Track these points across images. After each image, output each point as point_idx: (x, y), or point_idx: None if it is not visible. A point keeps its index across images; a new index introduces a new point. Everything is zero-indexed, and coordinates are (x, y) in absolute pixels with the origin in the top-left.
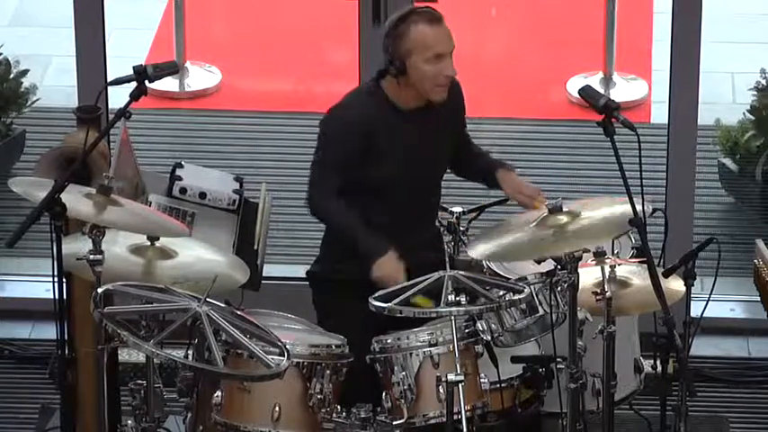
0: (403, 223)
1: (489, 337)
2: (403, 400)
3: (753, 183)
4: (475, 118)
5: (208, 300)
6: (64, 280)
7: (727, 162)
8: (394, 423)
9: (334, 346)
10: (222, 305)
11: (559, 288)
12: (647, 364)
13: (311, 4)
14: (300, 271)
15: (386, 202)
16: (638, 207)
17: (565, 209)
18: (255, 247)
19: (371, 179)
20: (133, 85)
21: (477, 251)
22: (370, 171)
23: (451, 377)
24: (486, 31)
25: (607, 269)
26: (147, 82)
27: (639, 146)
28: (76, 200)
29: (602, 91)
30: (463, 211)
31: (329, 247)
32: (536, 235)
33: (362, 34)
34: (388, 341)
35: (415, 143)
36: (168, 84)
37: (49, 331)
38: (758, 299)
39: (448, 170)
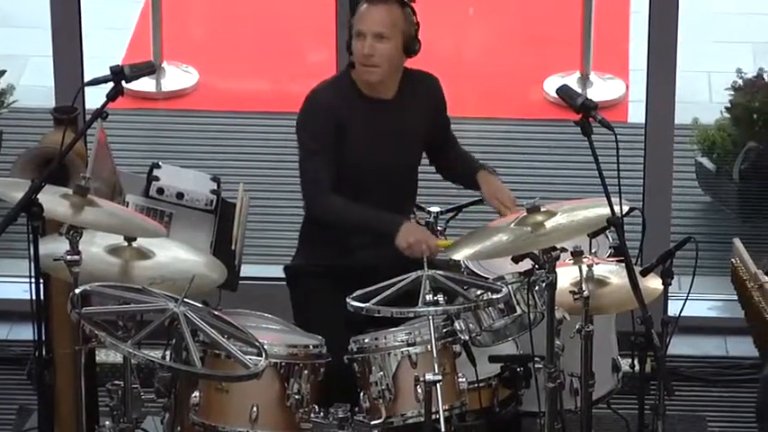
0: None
1: (467, 337)
2: (381, 400)
3: (730, 182)
4: (453, 117)
5: (185, 300)
6: (41, 281)
7: (705, 161)
8: (372, 423)
9: (311, 347)
10: (200, 305)
11: (537, 287)
12: (624, 363)
13: (289, 5)
14: (278, 271)
15: (356, 191)
16: (616, 206)
17: (542, 209)
18: (233, 248)
19: (342, 168)
20: (110, 85)
21: (460, 254)
22: (342, 159)
23: (429, 377)
24: (464, 31)
25: (585, 268)
26: (123, 82)
27: (617, 145)
28: (53, 200)
29: (579, 90)
30: (441, 211)
31: (306, 240)
32: (515, 234)
33: (340, 34)
34: (366, 341)
35: (384, 133)
36: (145, 84)
37: (26, 332)
38: (735, 298)
39: (430, 169)
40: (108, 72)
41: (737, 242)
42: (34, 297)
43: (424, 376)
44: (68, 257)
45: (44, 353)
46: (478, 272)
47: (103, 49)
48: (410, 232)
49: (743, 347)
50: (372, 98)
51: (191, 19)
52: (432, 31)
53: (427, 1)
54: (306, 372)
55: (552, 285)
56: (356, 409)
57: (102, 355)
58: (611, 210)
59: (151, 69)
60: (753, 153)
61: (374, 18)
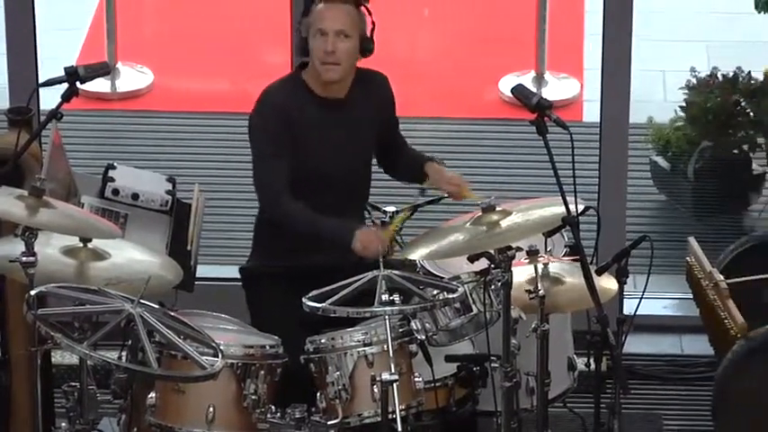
0: (328, 214)
1: (423, 337)
2: (338, 400)
3: (685, 180)
4: (409, 117)
5: (141, 301)
6: None
7: (659, 160)
8: (329, 423)
9: (268, 347)
10: (156, 306)
11: (493, 287)
12: (580, 362)
13: (244, 5)
14: (234, 272)
15: (309, 191)
16: (571, 205)
17: (498, 208)
18: (189, 248)
19: (294, 168)
20: (65, 86)
21: (416, 253)
22: (295, 159)
23: (386, 376)
24: (419, 32)
25: (540, 267)
26: (78, 83)
27: (572, 144)
28: (8, 202)
29: (534, 90)
30: (396, 211)
31: (261, 241)
32: (471, 233)
33: (295, 34)
34: (323, 341)
35: (335, 133)
36: (100, 84)
37: None
38: (690, 296)
39: (380, 169)
40: (62, 73)
41: (692, 241)
42: None
43: (381, 376)
44: (24, 259)
45: (0, 354)
46: (434, 271)
47: (58, 49)
48: (366, 236)
49: (698, 346)
50: (325, 98)
51: (145, 19)
52: (387, 31)
53: (382, 1)
54: (262, 372)
55: (508, 284)
56: (313, 409)
57: (58, 357)
58: (567, 209)
59: (106, 70)
60: (707, 152)
61: (336, 16)
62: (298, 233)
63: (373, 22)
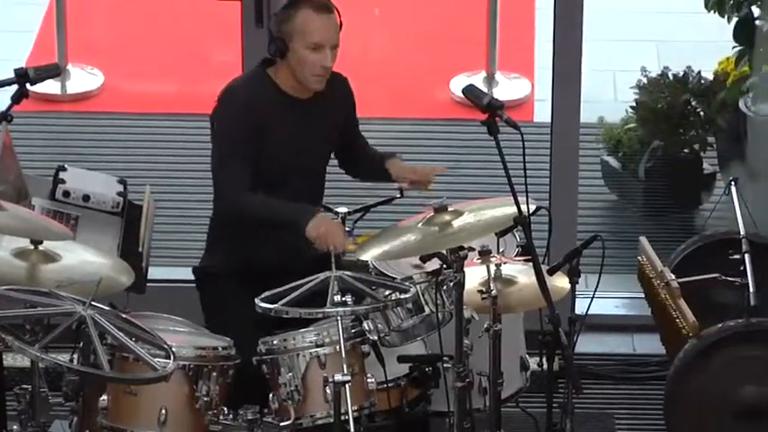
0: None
1: (376, 337)
2: (290, 401)
3: (636, 180)
4: (361, 118)
5: (93, 303)
6: None
7: (610, 160)
8: (281, 424)
9: (220, 348)
10: (107, 308)
11: (445, 287)
12: (532, 362)
13: (193, 7)
14: (186, 273)
15: (268, 187)
16: (523, 205)
17: (450, 208)
18: (140, 250)
19: (257, 164)
20: (14, 87)
21: (368, 254)
22: (258, 156)
23: (338, 377)
24: (371, 32)
25: (492, 268)
26: (28, 84)
27: (523, 144)
28: None
29: (485, 90)
30: (349, 212)
31: (215, 241)
32: (423, 234)
33: (245, 36)
34: (275, 342)
35: (299, 130)
36: (50, 86)
37: None
38: (642, 295)
39: (337, 170)
40: (12, 74)
41: (644, 240)
42: None
43: (333, 377)
44: None
45: None
46: (386, 272)
47: (7, 51)
48: (321, 223)
49: (650, 345)
50: (290, 96)
51: (95, 21)
52: (343, 31)
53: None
54: (214, 374)
55: (460, 285)
56: (265, 410)
57: (9, 359)
58: (518, 209)
59: (56, 71)
60: (658, 151)
61: (330, 28)
62: (258, 220)
63: (341, 23)
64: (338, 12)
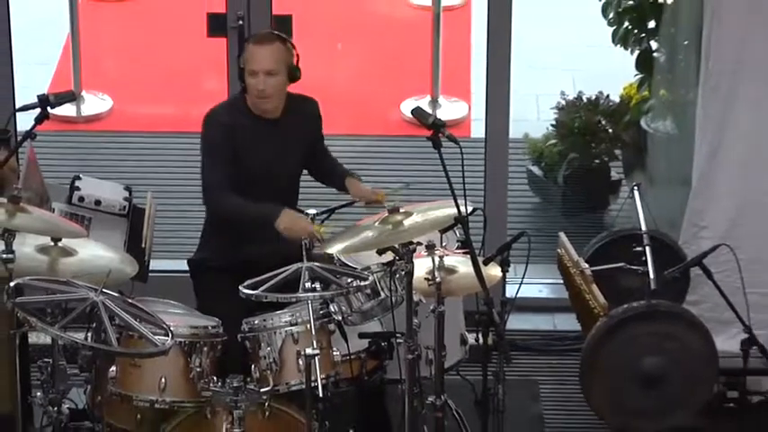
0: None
1: (340, 318)
2: (269, 371)
3: (555, 186)
4: (327, 135)
5: (103, 290)
6: None
7: (534, 169)
8: (262, 390)
9: (210, 327)
10: (115, 294)
11: (398, 275)
12: (471, 337)
13: (188, 42)
14: (182, 265)
15: (248, 195)
16: (462, 207)
17: (401, 210)
18: (143, 246)
19: (235, 176)
20: (38, 110)
21: (334, 248)
22: (235, 169)
23: (309, 351)
24: (335, 63)
25: (437, 259)
26: (49, 108)
27: (462, 156)
28: None
29: (430, 111)
30: (317, 213)
31: (207, 237)
32: (379, 231)
33: (231, 66)
34: (256, 322)
35: (270, 146)
36: (67, 109)
37: None
38: (561, 281)
39: (308, 176)
40: (36, 100)
41: (562, 236)
42: None
43: (305, 351)
44: (4, 256)
45: None
46: (349, 263)
47: (31, 80)
48: (288, 217)
49: (568, 323)
50: (262, 118)
51: (105, 55)
52: (308, 62)
53: (303, 38)
54: (206, 348)
55: (410, 274)
56: (248, 379)
57: (33, 337)
58: (458, 210)
59: (72, 97)
60: (574, 162)
61: (264, 57)
62: (237, 219)
63: (297, 54)
64: (287, 44)
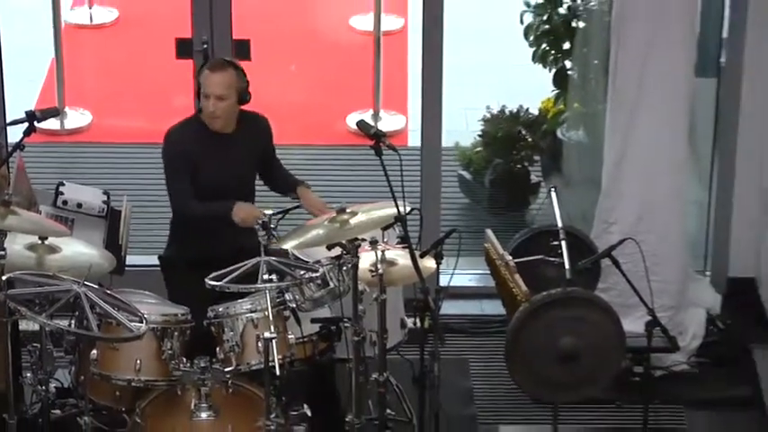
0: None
1: (294, 305)
2: (232, 353)
3: (482, 188)
4: (281, 145)
5: (85, 283)
6: None
7: (464, 173)
8: (226, 370)
9: (180, 315)
10: (96, 286)
11: (345, 268)
12: (409, 322)
13: (159, 64)
14: (154, 260)
15: (207, 200)
16: (401, 207)
17: (348, 210)
18: (120, 243)
19: (196, 184)
20: (26, 125)
21: (288, 244)
22: (195, 178)
23: (267, 335)
24: (288, 81)
25: (379, 253)
26: (36, 122)
27: (401, 163)
28: None
29: (372, 123)
30: (273, 213)
31: (174, 236)
32: (328, 229)
33: (196, 85)
34: (220, 310)
35: (224, 159)
36: (52, 124)
37: None
38: (488, 272)
39: (262, 184)
40: (24, 115)
41: (489, 232)
42: None
43: (263, 334)
44: None
45: None
46: (302, 257)
47: (19, 97)
48: (240, 208)
49: (495, 308)
50: (217, 133)
51: (86, 75)
52: (264, 81)
53: (261, 61)
54: (176, 333)
55: (356, 266)
56: (214, 360)
57: (23, 325)
58: (398, 210)
59: (56, 113)
60: (498, 167)
61: (215, 83)
62: (201, 219)
63: (248, 81)
64: (239, 70)
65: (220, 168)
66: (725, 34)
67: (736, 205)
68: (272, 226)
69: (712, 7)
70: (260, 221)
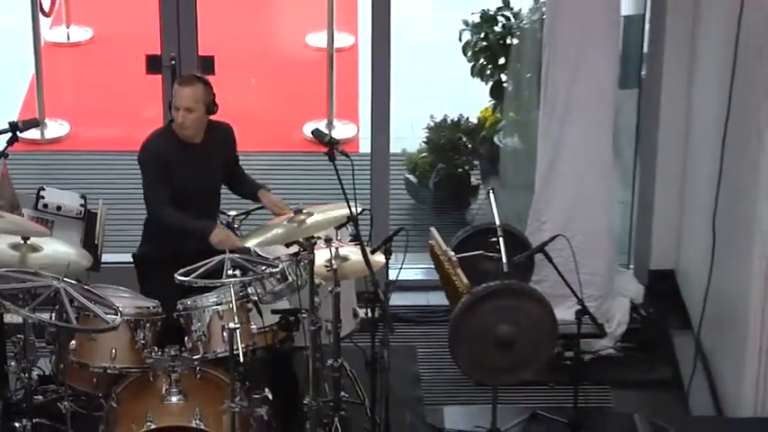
0: (193, 217)
1: (256, 298)
2: (200, 342)
3: (427, 190)
4: (245, 151)
5: (64, 279)
6: None
7: (411, 177)
8: (194, 357)
9: (151, 307)
10: (74, 282)
11: (302, 263)
12: (361, 312)
13: (131, 78)
14: (128, 257)
15: (180, 204)
16: (353, 208)
17: (304, 211)
18: (96, 242)
19: (170, 188)
20: (9, 135)
21: (250, 242)
22: (169, 182)
23: (231, 325)
24: (249, 93)
25: (333, 250)
26: (18, 132)
27: (353, 167)
28: None
29: (326, 132)
30: (236, 214)
31: (147, 235)
32: (287, 228)
33: (165, 98)
34: (188, 302)
35: (194, 165)
36: (33, 133)
37: None
38: (433, 266)
39: (226, 188)
40: (7, 125)
41: (433, 230)
42: None
43: (228, 325)
44: None
45: None
46: (262, 254)
47: (4, 109)
48: (219, 233)
49: (439, 299)
50: (187, 143)
51: (64, 88)
52: (228, 93)
53: (224, 75)
54: (148, 325)
55: (312, 262)
56: (183, 348)
57: (8, 318)
58: (350, 210)
59: (37, 123)
60: (442, 171)
61: (184, 97)
62: (175, 229)
63: (214, 93)
64: (206, 85)
65: (191, 174)
66: (645, 50)
67: (656, 204)
68: (235, 226)
69: (633, 26)
70: (232, 249)
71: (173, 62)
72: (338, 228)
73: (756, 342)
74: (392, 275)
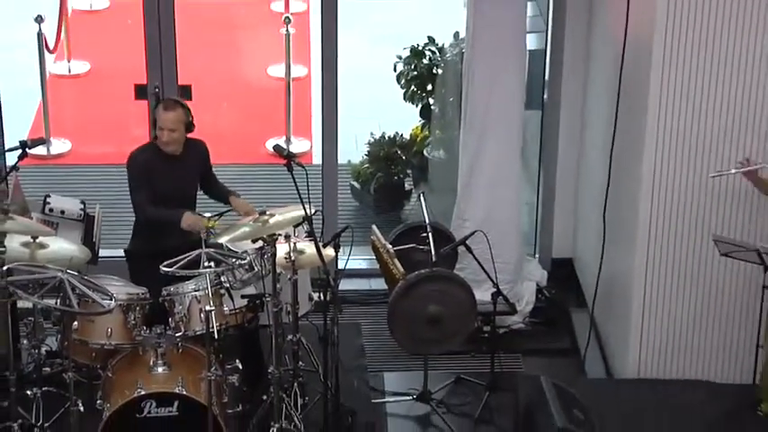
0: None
1: (228, 285)
2: (181, 322)
3: (369, 195)
4: (217, 164)
5: (68, 271)
6: None
7: (355, 184)
8: (176, 335)
9: (141, 294)
10: (75, 273)
11: (266, 255)
12: (315, 295)
13: (122, 104)
14: (120, 252)
15: (163, 206)
16: (307, 210)
17: (267, 212)
18: (94, 240)
19: (153, 193)
20: (19, 151)
21: (222, 239)
22: (152, 189)
23: (207, 308)
24: (221, 115)
25: (292, 244)
26: (27, 149)
27: (307, 176)
28: None
29: (285, 146)
30: (212, 215)
31: (136, 233)
32: (253, 227)
33: (150, 120)
34: (171, 289)
35: (174, 175)
36: (40, 150)
37: None
38: (374, 257)
39: (202, 193)
40: (18, 143)
41: (374, 227)
42: None
43: (205, 308)
44: None
45: None
46: (233, 248)
47: (16, 130)
48: (188, 217)
49: (379, 284)
50: (168, 155)
51: (66, 112)
52: (203, 114)
53: (200, 99)
54: (138, 308)
55: (274, 255)
56: (167, 327)
57: (20, 304)
58: (305, 212)
59: (43, 142)
60: (381, 179)
61: (167, 119)
62: (153, 221)
63: (192, 115)
64: (185, 109)
65: (171, 182)
66: (546, 78)
67: (556, 204)
68: (209, 225)
69: (536, 58)
70: (203, 231)
71: (157, 90)
72: (296, 226)
73: (639, 318)
74: (341, 265)
